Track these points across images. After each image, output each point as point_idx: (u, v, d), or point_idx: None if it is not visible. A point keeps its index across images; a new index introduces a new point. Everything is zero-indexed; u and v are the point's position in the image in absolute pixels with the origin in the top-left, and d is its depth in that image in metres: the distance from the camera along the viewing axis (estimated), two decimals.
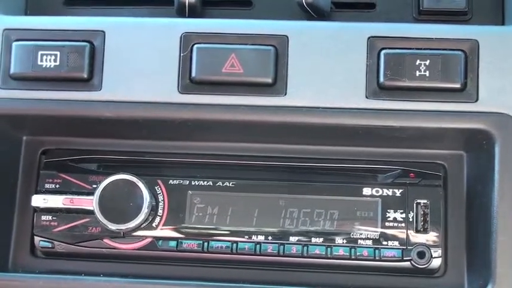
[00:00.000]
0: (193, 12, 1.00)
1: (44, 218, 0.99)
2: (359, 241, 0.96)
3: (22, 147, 1.02)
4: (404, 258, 0.96)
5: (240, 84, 0.93)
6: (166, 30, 0.95)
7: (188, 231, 0.98)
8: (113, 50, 0.95)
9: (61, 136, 1.02)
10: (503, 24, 0.99)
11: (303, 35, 0.94)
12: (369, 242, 0.96)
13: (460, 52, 0.92)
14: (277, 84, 0.93)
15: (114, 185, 0.96)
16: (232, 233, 0.98)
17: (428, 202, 0.97)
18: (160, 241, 0.98)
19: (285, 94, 0.93)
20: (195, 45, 0.94)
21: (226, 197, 0.98)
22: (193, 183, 0.99)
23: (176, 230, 0.98)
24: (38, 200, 0.99)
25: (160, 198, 0.98)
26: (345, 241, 0.96)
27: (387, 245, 0.96)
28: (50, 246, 0.99)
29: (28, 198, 0.99)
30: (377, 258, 0.96)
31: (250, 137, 0.98)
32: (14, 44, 0.95)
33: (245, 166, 1.00)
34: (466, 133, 0.93)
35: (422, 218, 0.96)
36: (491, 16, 1.01)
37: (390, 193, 0.97)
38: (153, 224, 0.98)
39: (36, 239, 1.00)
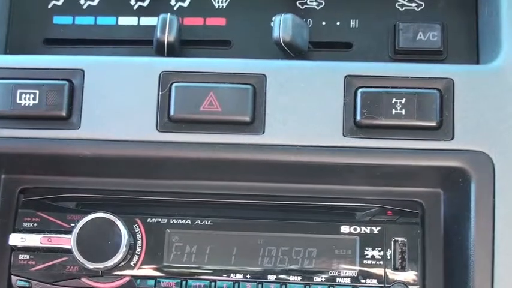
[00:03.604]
0: (172, 52, 1.01)
1: (21, 257, 0.98)
2: (337, 279, 0.96)
3: (0, 186, 1.02)
4: None
5: (218, 122, 0.94)
6: (145, 69, 0.95)
7: (167, 269, 0.98)
8: (92, 89, 0.95)
9: (39, 175, 1.01)
10: (477, 63, 1.00)
11: (280, 73, 0.95)
12: (347, 280, 0.96)
13: (435, 91, 0.93)
14: (255, 123, 0.94)
15: (92, 223, 0.95)
16: (211, 272, 0.97)
17: (406, 240, 0.97)
18: (139, 280, 0.98)
19: (263, 132, 0.93)
20: (174, 84, 0.94)
21: (205, 235, 0.98)
22: (171, 221, 0.99)
23: (154, 268, 0.98)
24: (16, 239, 0.98)
25: (139, 236, 0.98)
26: (323, 279, 0.96)
27: (365, 282, 0.96)
28: (28, 285, 0.98)
29: (5, 237, 0.98)
30: None
31: (228, 175, 0.98)
32: None
33: (223, 204, 1.00)
34: (443, 171, 0.94)
35: (400, 256, 0.96)
36: (466, 55, 1.02)
37: (368, 231, 0.97)
38: (132, 263, 0.98)
39: (14, 278, 0.99)
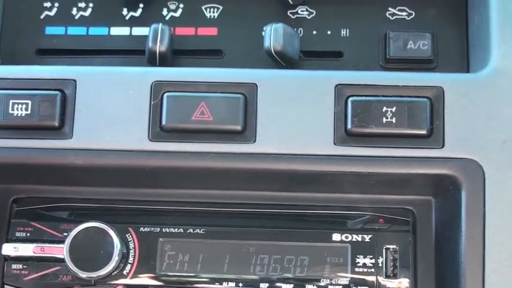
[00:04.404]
0: (164, 61, 1.02)
1: (14, 266, 0.99)
2: (329, 287, 0.96)
3: None
4: None
5: (209, 131, 0.94)
6: (137, 78, 0.96)
7: (159, 278, 0.98)
8: (84, 99, 0.95)
9: (32, 184, 1.02)
10: (468, 71, 1.01)
11: (271, 83, 0.95)
12: None
13: (425, 99, 0.93)
14: (246, 132, 0.94)
15: (84, 232, 0.95)
16: (204, 280, 0.98)
17: (397, 247, 0.97)
18: None
19: (254, 141, 0.94)
20: (165, 94, 0.95)
21: (197, 244, 0.98)
22: (164, 230, 0.99)
23: (147, 277, 0.98)
24: (9, 249, 0.98)
25: (131, 245, 0.98)
26: (315, 287, 0.97)
27: None
28: None
29: None
30: None
31: (220, 184, 0.99)
32: None
33: (215, 213, 1.00)
34: (434, 179, 0.94)
35: (391, 264, 0.97)
36: (456, 64, 1.03)
37: (359, 239, 0.98)
38: (124, 272, 0.98)
39: None
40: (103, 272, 0.95)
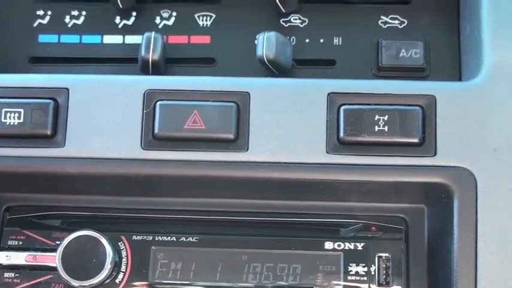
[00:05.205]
0: (156, 70, 1.02)
1: (6, 275, 0.98)
2: None
3: None
4: None
5: (202, 140, 0.94)
6: (130, 87, 0.96)
7: (152, 287, 0.98)
8: (77, 107, 0.95)
9: (25, 193, 1.01)
10: (460, 80, 1.01)
11: (264, 91, 0.95)
12: None
13: (417, 107, 0.94)
14: (239, 140, 0.94)
15: (77, 241, 0.95)
16: None
17: (389, 255, 0.97)
18: None
19: (247, 150, 0.94)
20: (158, 102, 0.95)
21: (190, 252, 0.98)
22: (156, 238, 0.99)
23: (140, 286, 0.98)
24: (1, 257, 0.98)
25: (124, 254, 0.98)
26: None
27: None
28: None
29: None
30: None
31: (212, 192, 0.99)
32: None
33: (208, 221, 1.00)
34: (426, 187, 0.94)
35: (384, 272, 0.97)
36: (448, 72, 1.03)
37: (352, 247, 0.98)
38: (117, 280, 0.98)
39: None
40: (95, 280, 0.94)
